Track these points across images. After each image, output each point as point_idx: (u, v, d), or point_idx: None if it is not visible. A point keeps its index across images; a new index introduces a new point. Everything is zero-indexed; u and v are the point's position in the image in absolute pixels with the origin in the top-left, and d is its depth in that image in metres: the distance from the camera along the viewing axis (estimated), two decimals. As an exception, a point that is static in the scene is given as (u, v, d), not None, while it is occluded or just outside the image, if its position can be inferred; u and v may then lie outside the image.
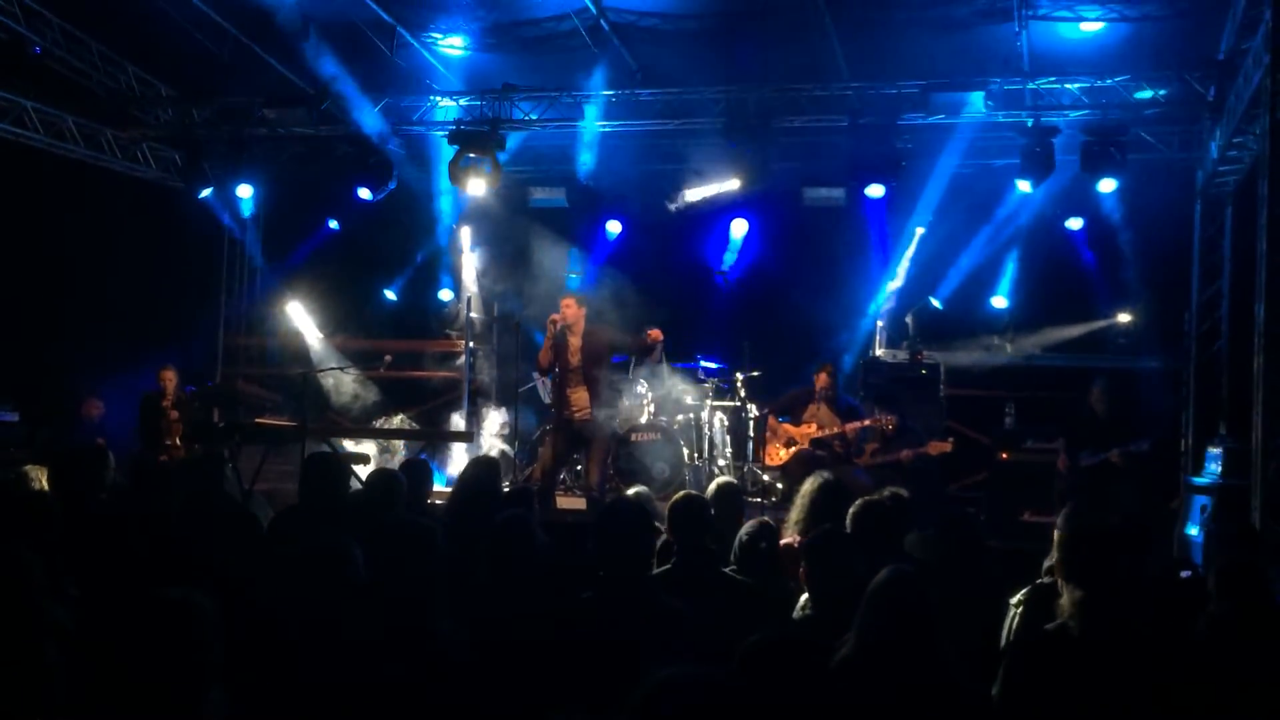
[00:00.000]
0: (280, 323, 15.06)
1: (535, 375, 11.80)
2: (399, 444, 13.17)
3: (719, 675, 2.60)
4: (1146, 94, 10.87)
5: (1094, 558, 4.39)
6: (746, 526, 5.46)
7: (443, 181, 12.87)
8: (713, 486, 7.07)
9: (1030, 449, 11.57)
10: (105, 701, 2.89)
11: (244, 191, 13.63)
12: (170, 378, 12.34)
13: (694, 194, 13.07)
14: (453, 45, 12.19)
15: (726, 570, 5.48)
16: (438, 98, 12.58)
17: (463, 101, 12.46)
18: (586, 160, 13.80)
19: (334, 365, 13.94)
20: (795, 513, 6.60)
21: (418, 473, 7.27)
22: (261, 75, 12.49)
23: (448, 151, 12.33)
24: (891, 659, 3.80)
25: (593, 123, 12.31)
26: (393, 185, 12.95)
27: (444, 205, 14.14)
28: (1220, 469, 9.53)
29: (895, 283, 13.96)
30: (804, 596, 5.19)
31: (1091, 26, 10.78)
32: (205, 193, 13.67)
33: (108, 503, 6.20)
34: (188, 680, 3.01)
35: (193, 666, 3.02)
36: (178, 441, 12.23)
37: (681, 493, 5.62)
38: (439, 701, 3.04)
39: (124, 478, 6.36)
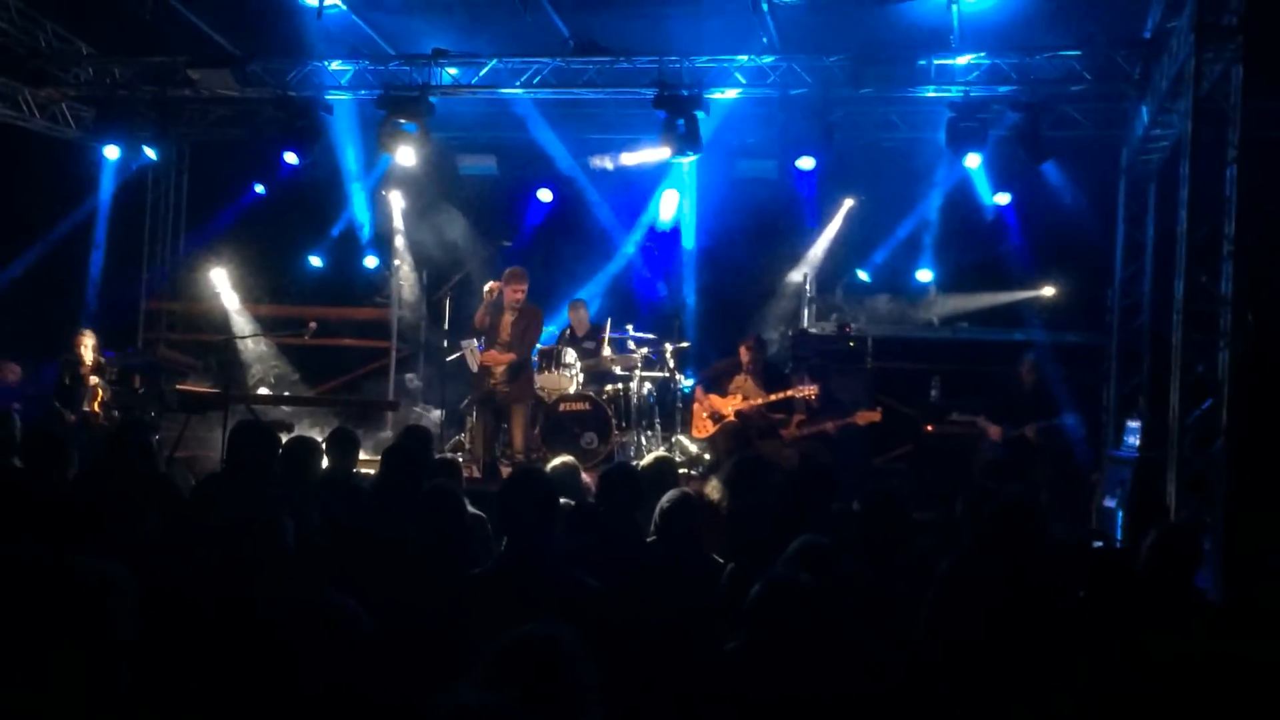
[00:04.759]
0: (202, 288, 14.82)
1: (462, 344, 11.72)
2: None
3: (507, 705, 2.51)
4: (1073, 70, 10.93)
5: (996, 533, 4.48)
6: (666, 497, 5.43)
7: (370, 147, 12.68)
8: (649, 459, 7.05)
9: (955, 421, 11.74)
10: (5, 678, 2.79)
11: (149, 152, 13.24)
12: (87, 343, 12.07)
13: (627, 158, 13.01)
14: (378, 6, 11.94)
15: (649, 541, 5.47)
16: (366, 61, 12.36)
17: (391, 65, 12.25)
18: (517, 127, 13.69)
19: (256, 332, 13.77)
20: (717, 485, 6.61)
21: (344, 442, 7.21)
22: (186, 36, 12.19)
23: (376, 116, 12.14)
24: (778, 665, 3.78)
25: (524, 90, 12.18)
26: (318, 150, 12.73)
27: (368, 171, 13.96)
28: (1138, 442, 9.72)
29: (818, 255, 14.04)
30: (729, 568, 5.20)
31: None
32: (114, 153, 13.27)
33: (12, 469, 6.06)
34: (99, 657, 2.90)
35: (106, 643, 2.91)
36: (97, 408, 12.02)
37: (616, 463, 5.60)
38: (342, 678, 2.98)
39: (29, 444, 6.21)
